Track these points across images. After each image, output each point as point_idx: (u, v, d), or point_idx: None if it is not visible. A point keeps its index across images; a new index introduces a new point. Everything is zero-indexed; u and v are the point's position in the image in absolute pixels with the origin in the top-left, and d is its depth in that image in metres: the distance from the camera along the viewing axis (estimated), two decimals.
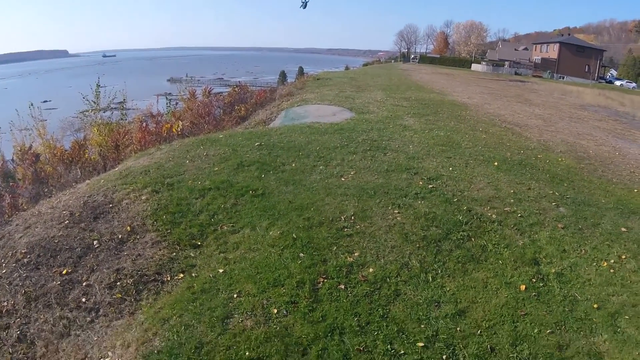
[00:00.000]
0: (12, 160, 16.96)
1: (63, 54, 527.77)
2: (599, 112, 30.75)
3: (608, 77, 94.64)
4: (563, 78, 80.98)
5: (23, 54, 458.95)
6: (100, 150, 16.58)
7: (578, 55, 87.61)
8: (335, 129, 14.95)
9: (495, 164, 12.14)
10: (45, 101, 55.34)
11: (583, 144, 17.67)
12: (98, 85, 18.39)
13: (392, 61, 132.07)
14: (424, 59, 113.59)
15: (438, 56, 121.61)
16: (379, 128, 15.55)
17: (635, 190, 11.94)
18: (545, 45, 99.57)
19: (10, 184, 14.35)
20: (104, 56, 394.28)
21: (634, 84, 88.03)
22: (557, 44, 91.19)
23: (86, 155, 16.53)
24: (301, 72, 60.71)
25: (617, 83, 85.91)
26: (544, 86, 53.94)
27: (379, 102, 22.49)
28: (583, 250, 7.67)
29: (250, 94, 27.96)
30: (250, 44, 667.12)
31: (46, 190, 13.00)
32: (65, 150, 16.77)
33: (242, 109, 23.29)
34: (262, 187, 9.43)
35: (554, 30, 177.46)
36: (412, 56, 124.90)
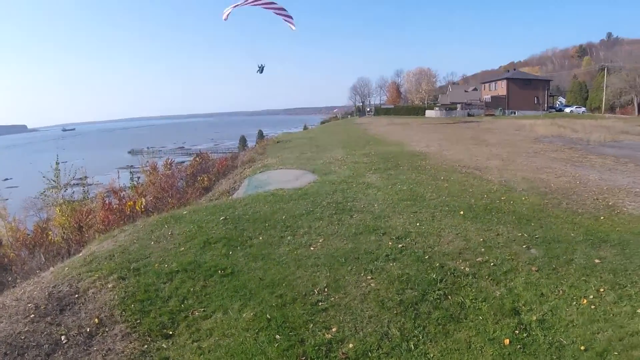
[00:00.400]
0: None
1: (22, 128, 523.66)
2: (554, 143, 31.56)
3: (557, 105, 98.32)
4: (515, 113, 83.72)
5: None
6: (64, 232, 16.27)
7: (526, 88, 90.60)
8: (299, 195, 14.89)
9: (461, 212, 12.17)
10: (6, 179, 53.98)
11: (543, 178, 17.96)
12: (57, 163, 18.14)
13: (349, 116, 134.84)
14: (379, 111, 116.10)
15: (392, 106, 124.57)
16: (342, 189, 15.57)
17: (602, 218, 12.15)
18: (493, 83, 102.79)
19: None
20: (64, 130, 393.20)
21: (583, 109, 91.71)
22: (504, 80, 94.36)
23: (49, 238, 16.21)
24: (261, 135, 61.39)
25: (567, 110, 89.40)
26: (497, 124, 55.45)
27: (339, 161, 22.69)
28: (561, 291, 7.64)
29: (212, 163, 27.96)
30: (208, 110, 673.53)
31: (10, 279, 12.54)
32: (28, 235, 16.55)
33: (205, 179, 23.20)
34: (230, 265, 9.18)
35: (500, 67, 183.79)
36: (368, 109, 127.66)
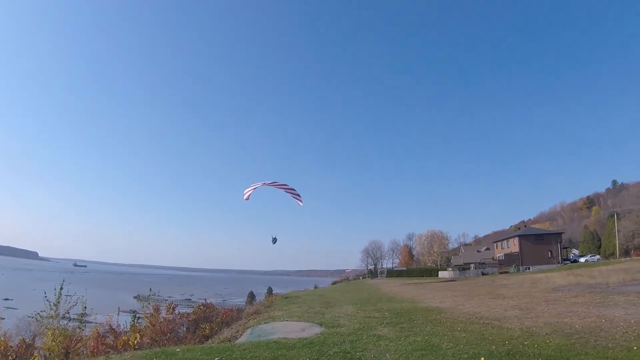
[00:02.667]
0: None
1: (33, 255, 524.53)
2: (572, 290, 30.56)
3: (571, 257, 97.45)
4: (529, 269, 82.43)
5: None
6: (49, 354, 15.49)
7: (538, 244, 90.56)
8: (304, 344, 13.85)
9: (482, 359, 11.11)
10: (6, 299, 52.61)
11: (567, 321, 16.99)
12: (61, 288, 17.58)
13: (361, 278, 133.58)
14: (391, 273, 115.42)
15: (405, 269, 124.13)
16: (351, 340, 14.52)
17: (635, 348, 11.30)
18: (505, 241, 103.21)
19: None
20: (75, 265, 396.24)
21: (597, 256, 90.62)
22: (516, 238, 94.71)
23: (34, 357, 15.68)
24: (270, 291, 60.54)
25: (582, 260, 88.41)
26: (512, 279, 54.31)
27: (350, 316, 21.76)
28: None
29: (216, 313, 26.83)
30: (219, 266, 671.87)
31: None
32: (11, 347, 15.90)
33: (207, 327, 22.22)
34: None
35: (511, 226, 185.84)
36: (380, 271, 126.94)
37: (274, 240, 28.16)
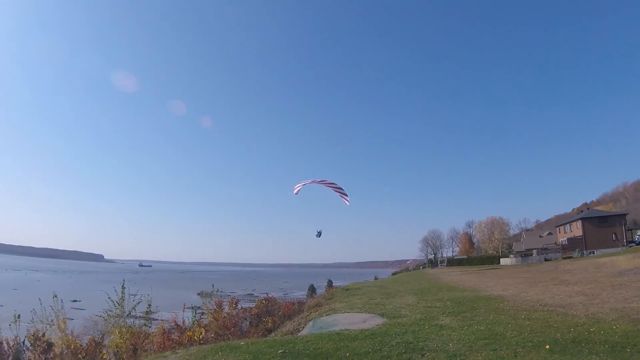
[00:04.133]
0: (23, 343, 16.69)
1: (99, 257, 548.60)
2: (639, 274, 29.60)
3: (637, 239, 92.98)
4: (593, 252, 79.78)
5: (59, 251, 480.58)
6: (117, 351, 16.50)
7: (602, 227, 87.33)
8: (366, 335, 14.13)
9: (547, 347, 11.10)
10: (74, 300, 55.51)
11: (633, 306, 16.65)
12: (123, 288, 18.61)
13: (421, 267, 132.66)
14: (451, 262, 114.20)
15: (465, 257, 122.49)
16: (413, 330, 14.70)
17: None
18: (568, 225, 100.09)
19: None
20: (140, 265, 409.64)
21: None
22: (579, 221, 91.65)
23: (103, 354, 16.43)
24: (330, 284, 61.03)
25: None
26: (576, 264, 52.81)
27: (411, 306, 21.88)
28: None
29: (278, 307, 27.58)
30: (279, 261, 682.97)
31: None
32: (81, 345, 16.56)
33: (270, 321, 22.90)
34: None
35: (573, 209, 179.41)
36: (440, 260, 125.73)
37: (319, 234, 29.43)
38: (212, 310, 22.50)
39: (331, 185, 28.41)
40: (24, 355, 16.47)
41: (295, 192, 27.74)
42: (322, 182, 28.47)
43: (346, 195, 28.43)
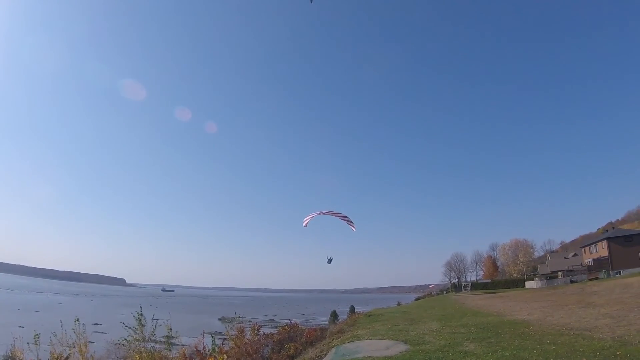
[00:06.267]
0: None
1: (120, 281, 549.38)
2: None
3: None
4: (620, 273, 77.98)
5: (81, 274, 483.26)
6: None
7: (628, 246, 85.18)
8: None
9: None
10: (96, 324, 55.83)
11: None
12: (140, 313, 18.89)
13: (444, 292, 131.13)
14: (476, 286, 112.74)
15: (489, 281, 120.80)
16: (437, 357, 14.66)
17: None
18: (593, 245, 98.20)
19: None
20: (163, 290, 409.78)
21: None
22: (605, 241, 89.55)
23: None
24: (352, 310, 60.85)
25: None
26: (602, 286, 52.04)
27: (435, 332, 21.76)
28: None
29: (301, 333, 27.66)
30: (301, 286, 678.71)
31: None
32: None
33: (292, 347, 22.88)
34: None
35: (598, 229, 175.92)
36: (464, 284, 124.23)
37: (329, 261, 31.00)
38: (234, 336, 22.67)
39: (337, 214, 30.29)
40: None
41: (304, 224, 29.47)
42: (328, 212, 30.14)
43: (352, 223, 30.48)
